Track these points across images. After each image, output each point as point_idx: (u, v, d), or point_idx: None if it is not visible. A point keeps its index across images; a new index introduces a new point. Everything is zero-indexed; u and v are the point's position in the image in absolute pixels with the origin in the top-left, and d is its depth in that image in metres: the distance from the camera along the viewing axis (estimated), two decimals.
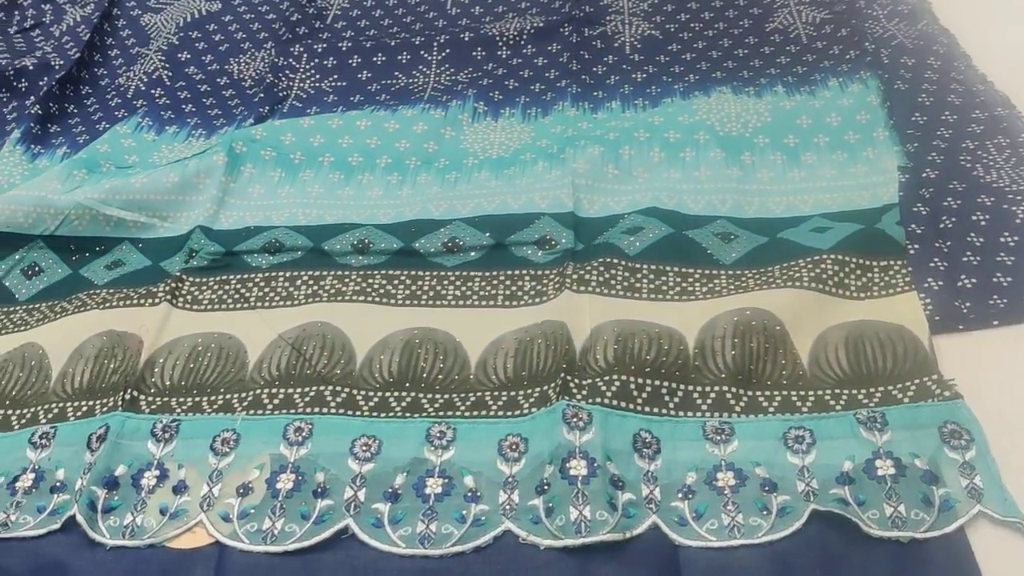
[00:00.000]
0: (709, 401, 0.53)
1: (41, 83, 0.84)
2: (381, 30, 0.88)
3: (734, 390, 0.53)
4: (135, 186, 0.68)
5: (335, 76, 0.82)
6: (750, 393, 0.53)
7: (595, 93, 0.77)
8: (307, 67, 0.84)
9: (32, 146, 0.78)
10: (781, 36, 0.81)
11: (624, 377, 0.53)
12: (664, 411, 0.52)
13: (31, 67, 0.86)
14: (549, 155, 0.70)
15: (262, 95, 0.80)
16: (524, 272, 0.61)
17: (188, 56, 0.87)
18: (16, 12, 0.98)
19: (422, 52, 0.83)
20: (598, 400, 0.51)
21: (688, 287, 0.59)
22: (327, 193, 0.69)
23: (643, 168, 0.68)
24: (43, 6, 0.99)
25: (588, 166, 0.68)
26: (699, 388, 0.53)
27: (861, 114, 0.70)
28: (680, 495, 0.49)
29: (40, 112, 0.80)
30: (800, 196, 0.66)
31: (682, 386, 0.53)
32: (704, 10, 0.86)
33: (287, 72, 0.83)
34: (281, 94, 0.80)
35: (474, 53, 0.83)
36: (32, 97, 0.82)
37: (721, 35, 0.82)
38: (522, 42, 0.83)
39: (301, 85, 0.81)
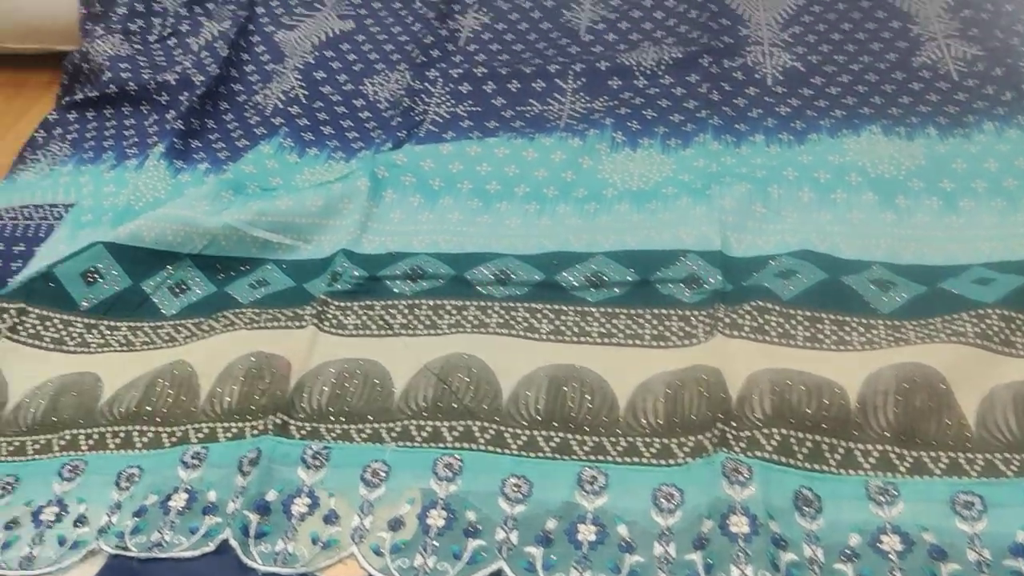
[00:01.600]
0: (872, 460, 0.50)
1: (182, 98, 0.86)
2: (513, 55, 0.87)
3: (898, 449, 0.51)
4: (281, 208, 0.69)
5: (470, 101, 0.82)
6: (915, 453, 0.50)
7: (737, 126, 0.75)
8: (442, 91, 0.84)
9: (175, 161, 0.79)
10: (930, 72, 0.78)
11: (784, 431, 0.51)
12: (826, 468, 0.50)
13: (173, 82, 0.88)
14: (693, 190, 0.68)
15: (399, 119, 0.80)
16: (672, 312, 0.60)
17: (323, 76, 0.88)
18: (155, 19, 1.01)
19: (557, 80, 0.82)
20: (758, 454, 0.50)
21: (845, 336, 0.57)
22: (466, 220, 0.69)
23: (792, 208, 0.66)
24: (180, 15, 1.02)
25: (735, 204, 0.66)
26: (861, 445, 0.51)
27: (1020, 160, 0.67)
28: (843, 558, 0.46)
29: (182, 127, 0.82)
30: (959, 244, 0.63)
31: (844, 442, 0.51)
32: (847, 42, 0.83)
33: (422, 96, 0.83)
34: (417, 118, 0.81)
35: (610, 82, 0.82)
36: (174, 111, 0.84)
37: (867, 69, 0.79)
38: (660, 72, 0.81)
39: (436, 110, 0.82)
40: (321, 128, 0.81)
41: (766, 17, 0.87)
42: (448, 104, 0.82)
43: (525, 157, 0.74)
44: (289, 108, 0.84)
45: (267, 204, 0.69)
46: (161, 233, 0.67)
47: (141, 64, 0.92)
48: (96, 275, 0.67)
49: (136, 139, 0.84)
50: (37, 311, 0.65)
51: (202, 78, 0.87)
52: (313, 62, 0.90)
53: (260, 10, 1.00)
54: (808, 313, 0.58)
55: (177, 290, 0.67)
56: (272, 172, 0.76)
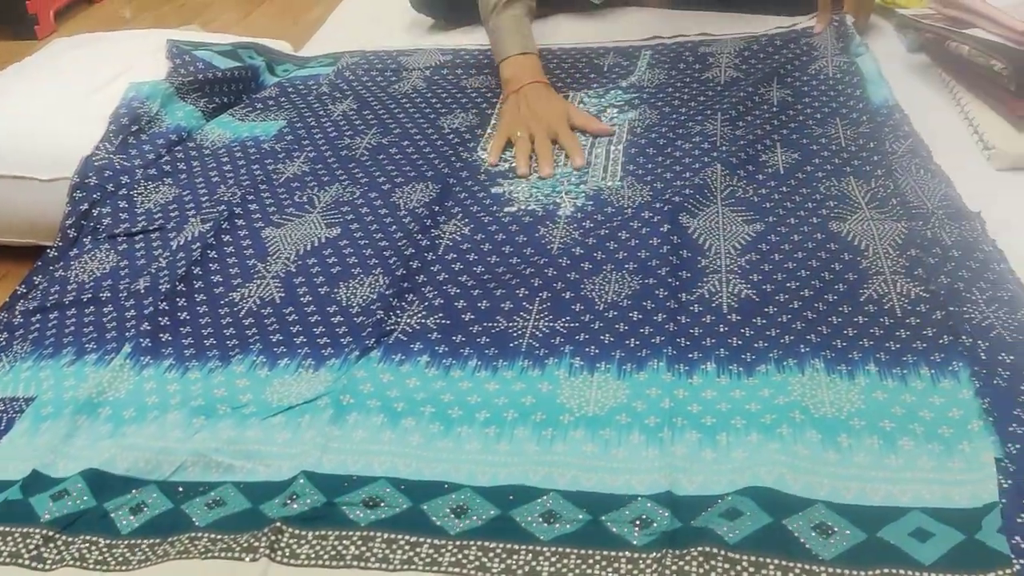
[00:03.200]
0: None
1: (146, 303, 0.90)
2: (488, 267, 0.92)
3: None
4: (249, 437, 0.71)
5: (440, 315, 0.86)
6: None
7: (691, 355, 0.79)
8: (415, 301, 0.88)
9: (141, 357, 0.83)
10: (875, 307, 0.82)
11: None
12: None
13: (142, 290, 0.92)
14: (646, 427, 0.71)
15: (370, 329, 0.84)
16: (621, 555, 0.61)
17: (302, 281, 0.92)
18: (140, 217, 1.06)
19: (524, 303, 0.87)
20: None
21: None
22: (426, 444, 0.71)
23: (742, 449, 0.69)
24: (168, 211, 1.07)
25: (686, 450, 0.69)
26: None
27: (954, 411, 0.71)
28: None
29: (149, 328, 0.86)
30: (898, 485, 0.66)
31: None
32: (801, 268, 0.88)
33: (395, 304, 0.87)
34: (388, 327, 0.84)
35: (573, 307, 0.86)
36: (136, 313, 0.88)
37: (815, 299, 0.84)
38: (620, 301, 0.86)
39: (408, 320, 0.85)
40: (294, 339, 0.84)
41: (726, 246, 0.92)
42: (420, 315, 0.86)
43: (487, 389, 0.77)
44: (263, 311, 0.88)
45: (237, 433, 0.72)
46: (134, 463, 0.70)
47: (122, 272, 0.96)
48: (64, 492, 0.69)
49: (95, 334, 0.88)
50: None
51: (168, 286, 0.92)
52: (294, 270, 0.94)
53: (253, 206, 1.06)
54: (753, 558, 0.60)
55: (136, 509, 0.68)
56: (242, 389, 0.79)
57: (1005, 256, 0.86)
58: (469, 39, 1.52)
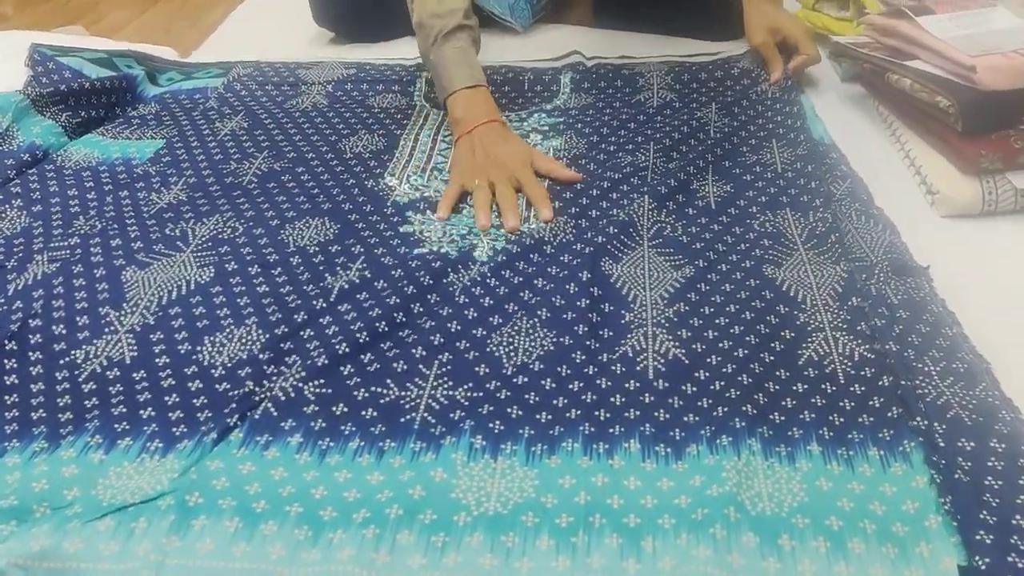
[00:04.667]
0: None
1: None
2: (388, 317, 0.79)
3: None
4: (68, 552, 0.57)
5: (322, 380, 0.73)
6: None
7: (611, 430, 0.68)
8: (294, 363, 0.75)
9: None
10: (816, 370, 0.73)
11: None
12: None
13: None
14: (557, 529, 0.60)
15: (234, 402, 0.70)
16: None
17: (159, 337, 0.78)
18: None
19: (421, 366, 0.74)
20: None
21: None
22: (289, 557, 0.58)
23: (670, 556, 0.58)
24: (12, 246, 0.92)
25: (604, 561, 0.58)
26: None
27: (908, 503, 0.61)
28: None
29: None
30: None
31: None
32: (733, 325, 0.78)
33: (268, 372, 0.74)
34: (256, 397, 0.71)
35: (476, 369, 0.74)
36: None
37: (751, 359, 0.74)
38: (530, 363, 0.75)
39: (282, 385, 0.72)
40: (140, 412, 0.70)
41: (652, 296, 0.82)
42: (296, 379, 0.73)
43: (369, 481, 0.65)
44: (108, 374, 0.74)
45: (52, 544, 0.58)
46: None
47: None
48: None
49: None
50: None
51: None
52: (153, 322, 0.80)
53: (114, 242, 0.91)
54: None
55: None
56: (69, 482, 0.64)
57: (957, 319, 0.77)
58: (376, 53, 1.40)
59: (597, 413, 0.70)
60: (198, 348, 0.77)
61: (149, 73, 1.29)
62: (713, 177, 1.01)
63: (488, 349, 0.76)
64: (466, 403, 0.71)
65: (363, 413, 0.70)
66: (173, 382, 0.73)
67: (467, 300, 0.82)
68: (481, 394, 0.72)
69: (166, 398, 0.72)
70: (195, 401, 0.71)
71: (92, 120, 1.16)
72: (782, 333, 0.77)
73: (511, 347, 0.76)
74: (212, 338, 0.78)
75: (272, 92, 1.27)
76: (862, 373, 0.72)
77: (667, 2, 1.41)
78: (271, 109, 1.22)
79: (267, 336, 0.78)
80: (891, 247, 0.87)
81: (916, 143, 1.02)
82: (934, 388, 0.70)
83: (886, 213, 0.93)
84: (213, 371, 0.74)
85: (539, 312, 0.80)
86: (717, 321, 0.79)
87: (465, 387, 0.72)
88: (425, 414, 0.70)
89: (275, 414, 0.70)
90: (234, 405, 0.70)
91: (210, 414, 0.70)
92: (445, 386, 0.72)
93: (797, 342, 0.76)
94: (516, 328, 0.78)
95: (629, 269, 0.86)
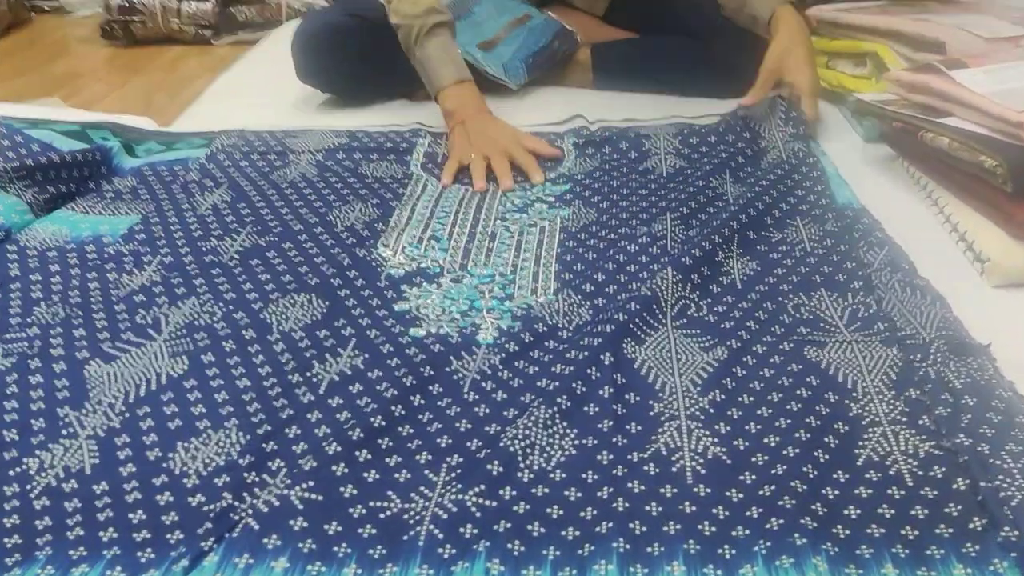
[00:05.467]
0: None
1: None
2: (385, 411, 0.70)
3: None
4: None
5: (312, 486, 0.63)
6: None
7: (649, 549, 0.58)
8: (279, 469, 0.65)
9: None
10: (878, 472, 0.64)
11: None
12: None
13: None
14: None
15: (210, 523, 0.60)
16: None
17: (125, 441, 0.68)
18: None
19: (427, 472, 0.65)
20: None
21: None
22: None
23: None
24: None
25: None
26: None
27: None
28: None
29: None
30: None
31: None
32: (778, 415, 0.69)
33: (249, 481, 0.64)
34: (235, 515, 0.61)
35: (489, 467, 0.65)
36: None
37: (803, 459, 0.65)
38: (550, 469, 0.65)
39: (267, 497, 0.62)
40: (100, 532, 0.60)
41: (682, 382, 0.73)
42: (282, 488, 0.63)
43: None
44: (65, 488, 0.64)
45: None
46: None
47: None
48: None
49: None
50: None
51: None
52: (119, 425, 0.70)
53: (78, 331, 0.82)
54: None
55: None
56: None
57: None
58: (367, 119, 1.33)
59: (632, 526, 0.60)
60: (169, 454, 0.67)
61: (126, 144, 1.21)
62: (738, 251, 0.93)
63: (502, 449, 0.67)
64: (479, 515, 0.61)
65: (360, 531, 0.60)
66: (139, 496, 0.63)
67: (475, 393, 0.73)
68: (496, 504, 0.62)
69: (131, 516, 0.61)
70: (164, 518, 0.61)
71: (62, 196, 1.08)
72: (835, 426, 0.68)
73: (528, 445, 0.67)
74: (185, 443, 0.68)
75: (258, 162, 1.19)
76: (931, 474, 0.63)
77: (669, 61, 1.36)
78: (256, 180, 1.14)
79: (248, 438, 0.68)
80: (944, 322, 0.79)
81: (957, 207, 0.94)
82: (1019, 489, 0.61)
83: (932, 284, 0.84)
84: (186, 481, 0.64)
85: (558, 402, 0.71)
86: (759, 412, 0.70)
87: (478, 497, 0.62)
88: (432, 527, 0.60)
89: (257, 529, 0.60)
90: (209, 525, 0.60)
91: (181, 535, 0.59)
92: (454, 495, 0.63)
93: (853, 438, 0.67)
94: (533, 423, 0.69)
95: (654, 352, 0.78)
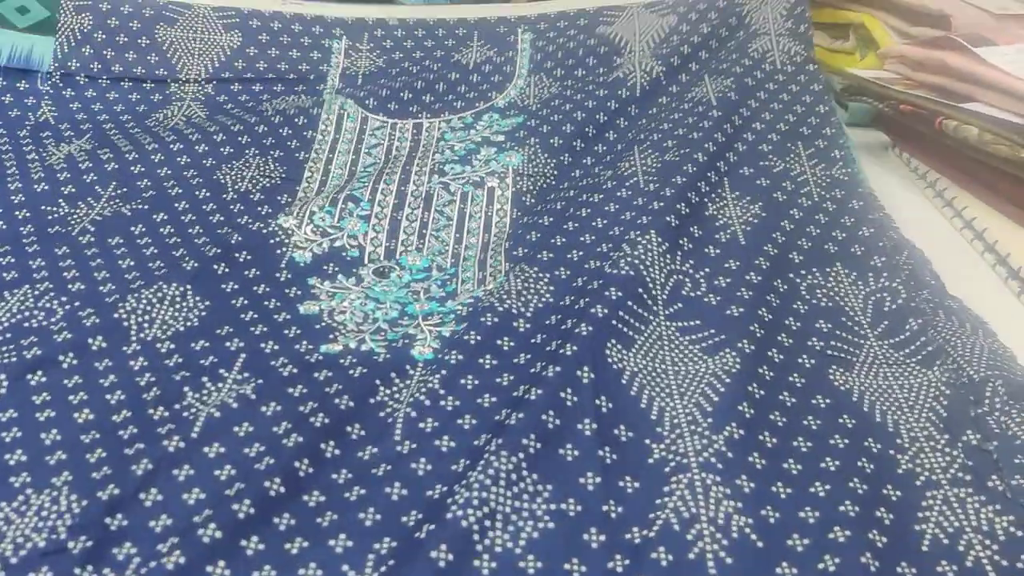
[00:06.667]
0: None
1: None
2: (286, 476, 0.50)
3: None
4: None
5: None
6: None
7: None
8: (126, 559, 0.45)
9: None
10: (952, 563, 0.48)
11: None
12: None
13: None
14: None
15: None
16: None
17: None
18: None
19: (344, 567, 0.45)
20: None
21: None
22: None
23: None
24: None
25: None
26: None
27: None
28: None
29: None
30: None
31: None
32: (812, 475, 0.53)
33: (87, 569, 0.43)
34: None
35: (434, 555, 0.46)
36: None
37: (856, 544, 0.48)
38: (516, 550, 0.46)
39: None
40: None
41: (686, 407, 0.56)
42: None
43: None
44: None
45: None
46: None
47: None
48: None
49: None
50: None
51: None
52: None
53: None
54: None
55: None
56: None
57: None
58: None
59: None
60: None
61: None
62: (732, 194, 0.75)
63: (450, 523, 0.47)
64: None
65: None
66: None
67: (412, 442, 0.53)
68: None
69: None
70: None
71: None
72: (884, 492, 0.52)
73: (489, 530, 0.48)
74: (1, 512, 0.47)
75: (131, 96, 0.94)
76: (1018, 565, 0.48)
77: None
78: (126, 124, 0.90)
79: (84, 505, 0.47)
80: (995, 357, 0.62)
81: (985, 212, 0.78)
82: None
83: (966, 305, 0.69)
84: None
85: (523, 444, 0.52)
86: (786, 466, 0.53)
87: None
88: None
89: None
90: None
91: None
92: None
93: (910, 509, 0.51)
94: (491, 479, 0.50)
95: (645, 361, 0.59)
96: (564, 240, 0.70)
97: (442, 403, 0.56)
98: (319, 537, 0.47)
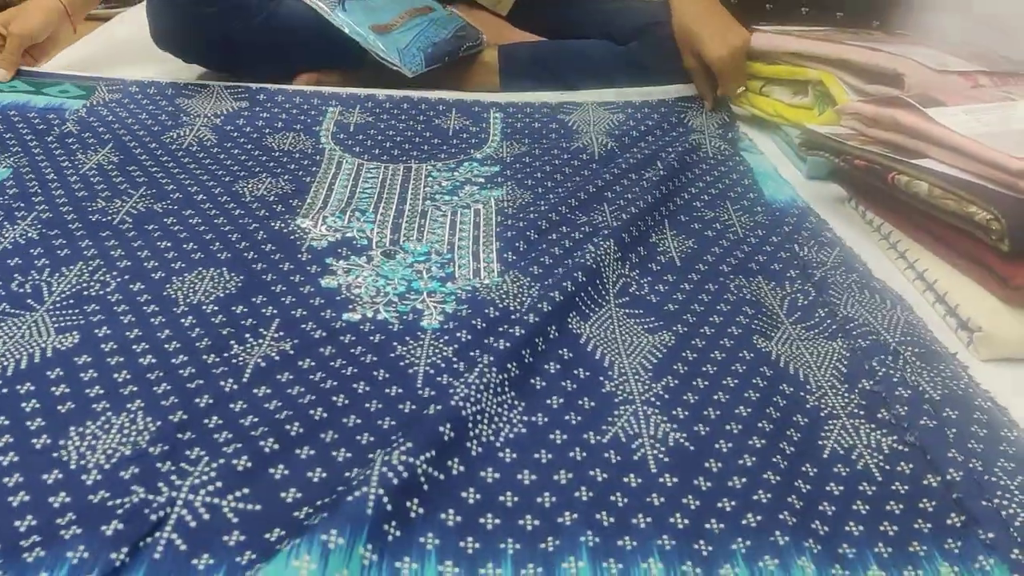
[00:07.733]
0: None
1: None
2: (326, 406, 0.62)
3: None
4: None
5: (244, 489, 0.54)
6: None
7: (621, 542, 0.53)
8: (200, 461, 0.56)
9: None
10: (846, 466, 0.61)
11: None
12: None
13: None
14: None
15: (120, 524, 0.51)
16: None
17: (5, 421, 0.57)
18: None
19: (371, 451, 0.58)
20: None
21: None
22: None
23: None
24: None
25: None
26: None
27: None
28: None
29: None
30: None
31: None
32: (736, 402, 0.66)
33: (164, 473, 0.55)
34: (150, 512, 0.52)
35: (452, 474, 0.58)
36: None
37: (770, 450, 0.62)
38: (498, 443, 0.60)
39: (188, 497, 0.53)
40: None
41: (631, 364, 0.70)
42: (208, 488, 0.54)
43: None
44: None
45: None
46: None
47: None
48: None
49: None
50: None
51: None
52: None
53: None
54: None
55: None
56: None
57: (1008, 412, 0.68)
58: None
59: (599, 517, 0.55)
60: (60, 442, 0.57)
61: None
62: (671, 231, 0.90)
63: (461, 446, 0.59)
64: (424, 512, 0.54)
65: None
66: (28, 498, 0.53)
67: (430, 387, 0.65)
68: (443, 497, 0.55)
69: (17, 523, 0.51)
70: (60, 522, 0.51)
71: None
72: (794, 418, 0.66)
73: (489, 437, 0.60)
74: (81, 430, 0.58)
75: (147, 122, 1.07)
76: (899, 469, 0.61)
77: (582, 62, 1.30)
78: (147, 142, 1.02)
79: (159, 424, 0.59)
80: (910, 327, 0.76)
81: (934, 264, 0.82)
82: (1020, 507, 0.58)
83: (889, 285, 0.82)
84: (84, 478, 0.54)
85: (507, 368, 0.65)
86: (716, 398, 0.67)
87: (427, 465, 0.55)
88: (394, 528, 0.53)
89: (183, 549, 0.50)
90: (119, 526, 0.50)
91: (84, 548, 0.49)
92: (399, 470, 0.54)
93: (814, 430, 0.65)
94: (483, 385, 0.63)
95: (599, 331, 0.73)
96: (551, 260, 0.83)
97: (454, 366, 0.67)
98: (355, 447, 0.59)
